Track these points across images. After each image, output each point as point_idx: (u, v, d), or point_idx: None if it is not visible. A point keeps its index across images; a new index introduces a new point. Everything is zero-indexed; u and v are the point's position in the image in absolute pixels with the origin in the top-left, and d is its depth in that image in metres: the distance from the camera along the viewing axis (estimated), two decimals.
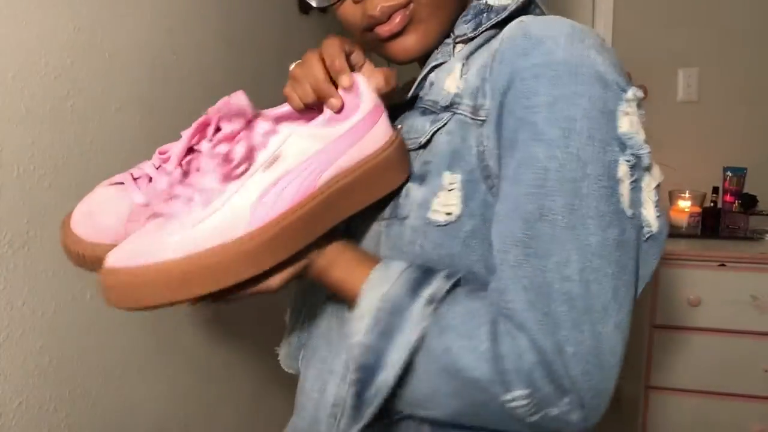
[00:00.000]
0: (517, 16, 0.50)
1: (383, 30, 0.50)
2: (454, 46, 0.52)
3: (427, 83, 0.53)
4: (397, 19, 0.50)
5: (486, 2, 0.52)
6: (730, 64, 1.87)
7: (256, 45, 1.36)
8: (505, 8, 0.51)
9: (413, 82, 0.55)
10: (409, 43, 0.52)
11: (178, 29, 1.04)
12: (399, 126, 0.55)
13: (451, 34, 0.53)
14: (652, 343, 1.63)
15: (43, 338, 0.75)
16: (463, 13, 0.53)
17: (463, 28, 0.52)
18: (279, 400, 1.41)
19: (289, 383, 1.49)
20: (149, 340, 0.97)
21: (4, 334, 0.69)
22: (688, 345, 1.61)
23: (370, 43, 0.53)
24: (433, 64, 0.53)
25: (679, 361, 1.63)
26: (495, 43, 0.48)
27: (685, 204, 1.74)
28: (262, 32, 1.40)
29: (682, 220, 1.74)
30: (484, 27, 0.51)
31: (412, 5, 0.50)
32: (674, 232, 1.74)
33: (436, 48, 0.53)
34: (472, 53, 0.51)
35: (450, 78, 0.50)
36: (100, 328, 0.86)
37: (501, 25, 0.50)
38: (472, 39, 0.51)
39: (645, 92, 1.93)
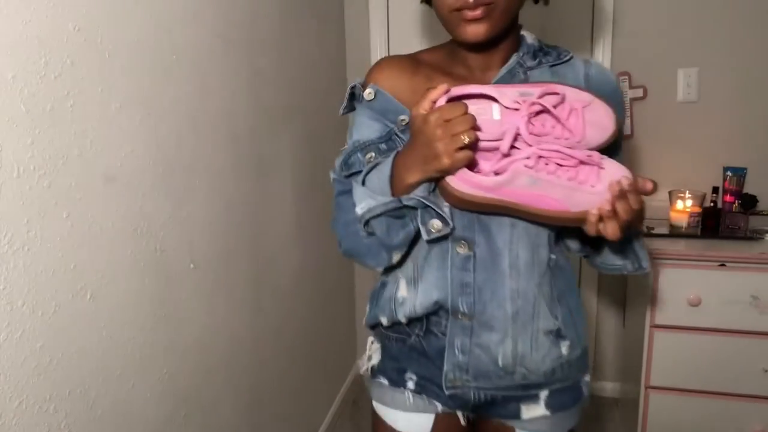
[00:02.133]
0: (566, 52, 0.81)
1: (468, 14, 0.70)
2: (526, 53, 0.79)
3: (525, 72, 0.78)
4: (479, 10, 0.70)
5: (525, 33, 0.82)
6: (730, 64, 1.87)
7: (256, 45, 1.36)
8: (541, 44, 0.82)
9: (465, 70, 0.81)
10: (481, 30, 0.72)
11: (178, 29, 1.04)
12: None
13: (525, 42, 0.80)
14: (652, 343, 1.63)
15: (43, 338, 0.75)
16: (523, 34, 0.80)
17: (530, 44, 0.80)
18: (279, 399, 1.40)
19: (289, 383, 1.49)
20: (149, 340, 0.97)
21: (4, 334, 0.69)
22: (688, 345, 1.61)
23: (452, 20, 0.73)
24: (517, 60, 0.78)
25: (679, 361, 1.63)
26: (580, 66, 0.80)
27: (685, 204, 1.74)
28: (261, 33, 1.40)
29: (682, 220, 1.73)
30: (563, 56, 0.81)
31: (492, 5, 0.70)
32: (674, 232, 1.74)
33: (494, 41, 0.75)
34: (553, 65, 0.80)
35: (573, 74, 0.79)
36: (100, 328, 0.86)
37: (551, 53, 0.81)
38: (534, 53, 0.79)
39: (645, 92, 1.93)
